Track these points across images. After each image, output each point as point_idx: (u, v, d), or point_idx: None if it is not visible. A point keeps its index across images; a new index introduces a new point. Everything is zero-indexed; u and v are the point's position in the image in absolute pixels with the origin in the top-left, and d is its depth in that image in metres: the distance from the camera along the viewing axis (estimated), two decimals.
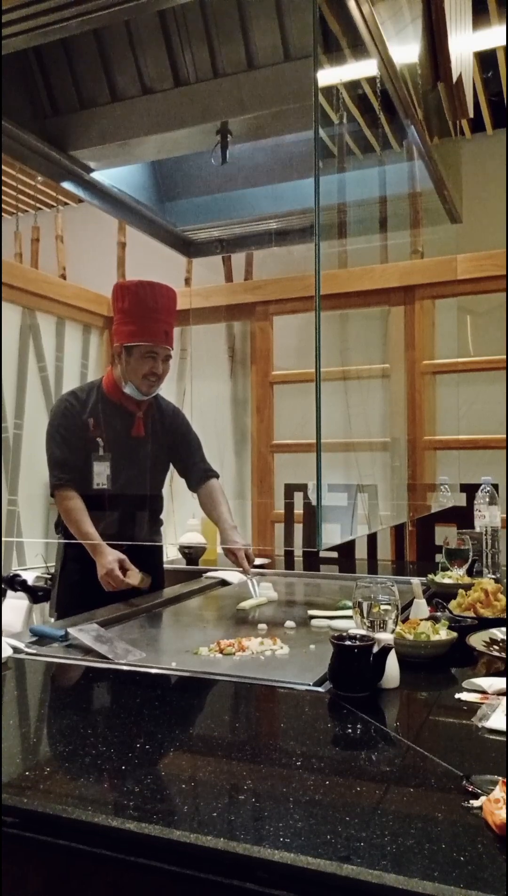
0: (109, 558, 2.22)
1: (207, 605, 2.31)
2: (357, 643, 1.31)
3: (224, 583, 2.57)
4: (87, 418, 2.39)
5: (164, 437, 2.54)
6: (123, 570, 2.22)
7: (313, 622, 1.92)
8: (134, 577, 2.23)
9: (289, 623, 1.89)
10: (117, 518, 2.41)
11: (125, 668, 1.49)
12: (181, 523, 3.28)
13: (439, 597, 1.98)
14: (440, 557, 2.45)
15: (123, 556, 2.24)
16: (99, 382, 2.48)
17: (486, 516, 2.47)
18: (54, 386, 3.82)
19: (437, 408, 3.63)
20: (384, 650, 1.31)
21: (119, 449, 2.41)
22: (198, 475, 2.58)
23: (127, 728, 1.17)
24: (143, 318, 2.36)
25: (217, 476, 2.60)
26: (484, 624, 1.72)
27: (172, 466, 2.60)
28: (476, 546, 2.40)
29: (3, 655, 1.52)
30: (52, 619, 2.39)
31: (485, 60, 3.48)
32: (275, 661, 1.57)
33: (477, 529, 2.47)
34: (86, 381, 3.30)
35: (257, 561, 2.94)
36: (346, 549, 3.04)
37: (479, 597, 1.87)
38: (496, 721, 1.13)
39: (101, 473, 2.38)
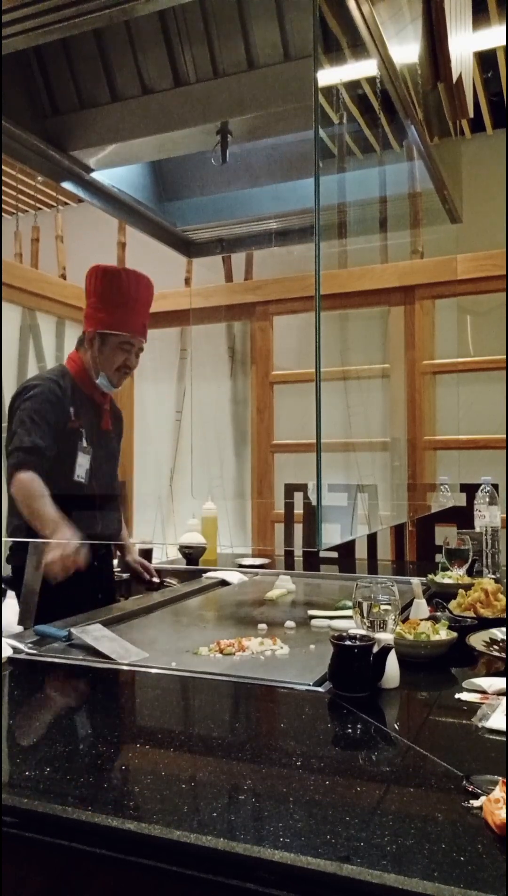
0: (71, 538, 2.01)
1: (207, 605, 2.31)
2: (357, 643, 1.31)
3: (224, 583, 2.57)
4: (69, 407, 2.25)
5: (118, 433, 2.49)
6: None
7: (313, 622, 1.92)
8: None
9: (289, 623, 1.89)
10: (91, 515, 2.30)
11: (125, 667, 1.49)
12: (181, 523, 3.28)
13: (439, 597, 1.98)
14: (440, 557, 2.45)
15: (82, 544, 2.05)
16: (65, 370, 2.32)
17: (486, 516, 2.47)
18: None
19: (437, 408, 3.64)
20: (384, 650, 1.31)
21: (93, 442, 2.30)
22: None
23: (127, 728, 1.17)
24: (122, 307, 2.27)
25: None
26: (484, 624, 1.72)
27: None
28: (476, 546, 2.40)
29: (3, 655, 1.51)
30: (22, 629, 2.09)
31: (485, 60, 3.49)
32: (275, 661, 1.57)
33: (477, 529, 2.47)
34: None
35: (257, 561, 2.94)
36: (346, 549, 3.04)
37: (479, 597, 1.87)
38: (496, 721, 1.13)
39: (82, 466, 2.25)
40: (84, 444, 2.25)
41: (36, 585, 2.11)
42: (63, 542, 2.00)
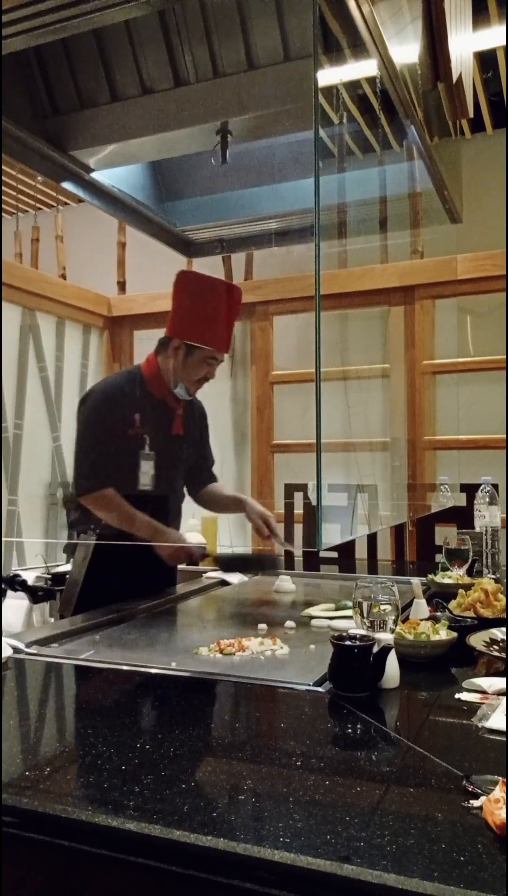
0: (171, 540, 2.19)
1: (207, 605, 2.31)
2: (357, 643, 1.31)
3: (224, 583, 2.57)
4: (133, 413, 2.22)
5: (194, 435, 2.45)
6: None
7: (314, 622, 1.92)
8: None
9: (289, 623, 1.89)
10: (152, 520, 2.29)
11: (125, 667, 1.49)
12: (182, 523, 3.28)
13: (439, 597, 1.98)
14: (440, 557, 2.45)
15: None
16: (139, 373, 2.30)
17: (486, 516, 2.47)
18: (54, 386, 3.82)
19: (437, 408, 3.64)
20: (384, 650, 1.31)
21: (160, 447, 2.27)
22: (207, 477, 2.53)
23: (127, 728, 1.17)
24: (214, 322, 2.23)
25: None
26: (484, 624, 1.72)
27: None
28: (476, 546, 2.40)
29: (3, 655, 1.51)
30: (53, 620, 2.32)
31: (485, 60, 3.49)
32: (275, 661, 1.57)
33: (477, 529, 2.47)
34: (86, 382, 3.27)
35: None
36: (346, 549, 3.04)
37: (479, 597, 1.86)
38: (496, 721, 1.13)
39: (146, 473, 2.22)
40: (147, 450, 2.23)
41: (80, 577, 2.20)
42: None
